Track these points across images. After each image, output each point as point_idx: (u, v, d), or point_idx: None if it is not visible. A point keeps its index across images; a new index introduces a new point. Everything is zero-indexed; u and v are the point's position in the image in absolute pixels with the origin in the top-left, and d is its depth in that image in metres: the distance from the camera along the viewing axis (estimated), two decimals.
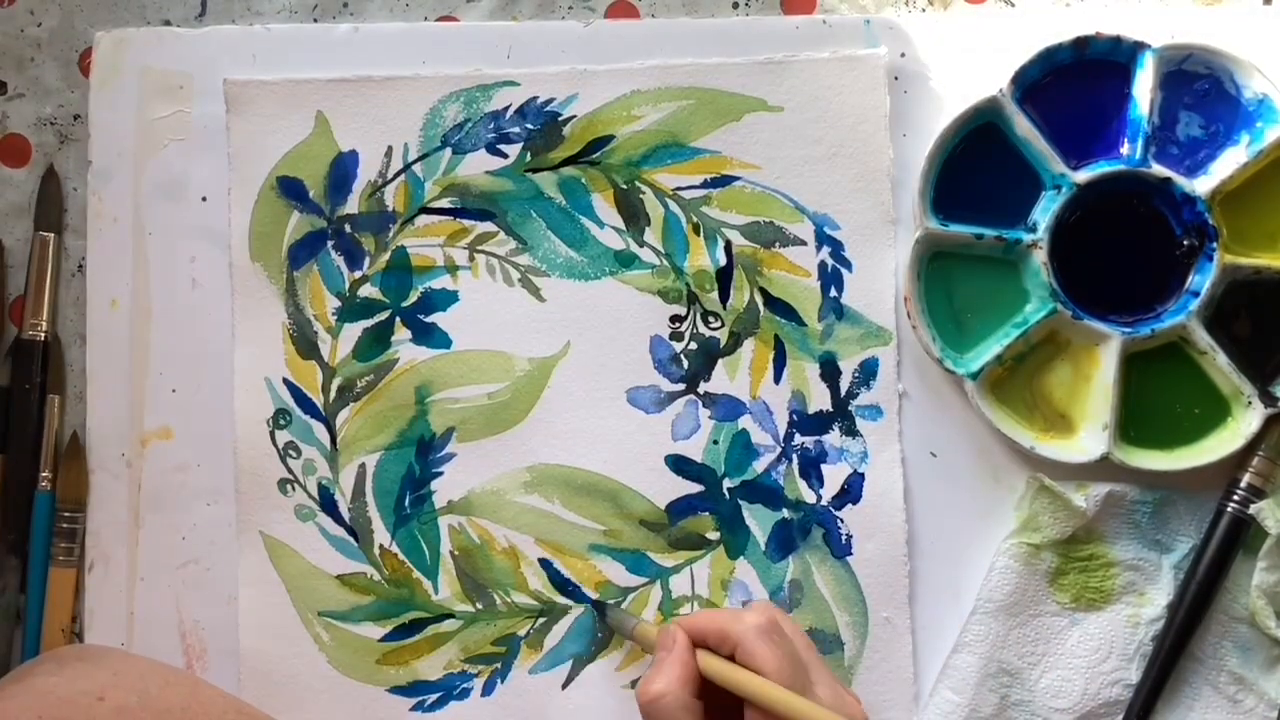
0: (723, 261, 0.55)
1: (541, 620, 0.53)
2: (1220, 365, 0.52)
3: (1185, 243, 0.53)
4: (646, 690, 0.43)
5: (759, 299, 0.55)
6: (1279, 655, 0.52)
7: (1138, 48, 0.53)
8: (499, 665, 0.53)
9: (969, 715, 0.51)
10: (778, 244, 0.55)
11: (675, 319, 0.55)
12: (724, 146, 0.55)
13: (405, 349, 0.55)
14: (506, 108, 0.55)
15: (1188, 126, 0.54)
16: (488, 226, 0.55)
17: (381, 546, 0.54)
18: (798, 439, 0.54)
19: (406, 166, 0.55)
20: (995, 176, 0.53)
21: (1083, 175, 0.52)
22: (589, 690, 0.53)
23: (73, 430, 0.54)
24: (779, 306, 0.55)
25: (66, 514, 0.54)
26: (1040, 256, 0.52)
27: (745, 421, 0.54)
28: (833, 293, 0.55)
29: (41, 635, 0.54)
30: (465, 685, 0.53)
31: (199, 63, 0.56)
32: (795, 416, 0.54)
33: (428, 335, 0.55)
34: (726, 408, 0.54)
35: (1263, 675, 0.52)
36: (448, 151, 0.55)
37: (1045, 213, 0.52)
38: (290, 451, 0.54)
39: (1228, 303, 0.52)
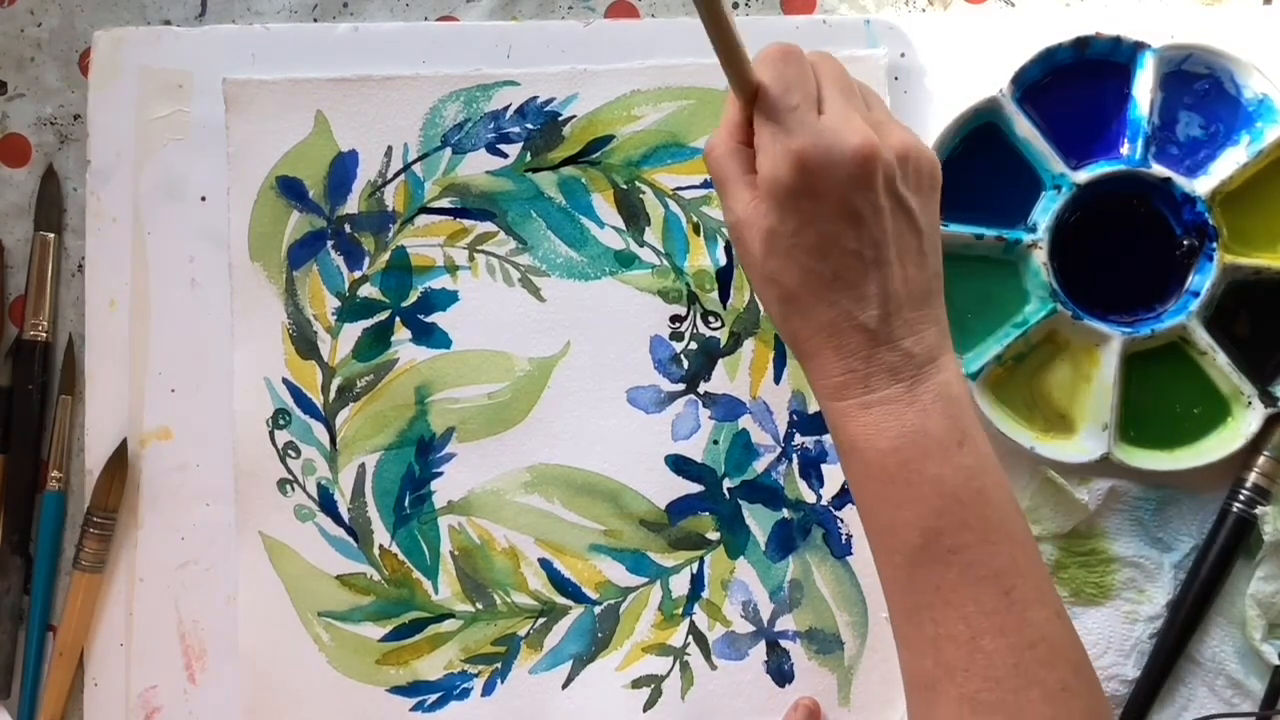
0: (723, 261, 0.55)
1: (541, 620, 0.54)
2: (1220, 365, 0.52)
3: (1185, 243, 0.53)
4: (707, 143, 0.43)
5: (759, 299, 0.55)
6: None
7: (1138, 48, 0.53)
8: (499, 665, 0.53)
9: None
10: None
11: (675, 319, 0.55)
12: None
13: (405, 349, 0.55)
14: (506, 107, 0.55)
15: (1188, 126, 0.54)
16: (488, 226, 0.55)
17: (381, 547, 0.54)
18: (798, 439, 0.54)
19: (406, 166, 0.55)
20: (995, 176, 0.53)
21: (1083, 175, 0.52)
22: (589, 690, 0.53)
23: (123, 437, 0.54)
24: None
25: (98, 519, 0.53)
26: (1040, 256, 0.52)
27: (745, 421, 0.54)
28: None
29: (46, 638, 0.54)
30: (465, 685, 0.53)
31: (198, 62, 0.56)
32: (795, 416, 0.54)
33: (428, 335, 0.55)
34: (727, 408, 0.54)
35: (1261, 681, 0.52)
36: (448, 151, 0.55)
37: (1045, 213, 0.52)
38: (290, 451, 0.54)
39: (1228, 303, 0.52)
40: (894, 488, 0.41)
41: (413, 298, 0.55)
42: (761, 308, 0.44)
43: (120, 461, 0.53)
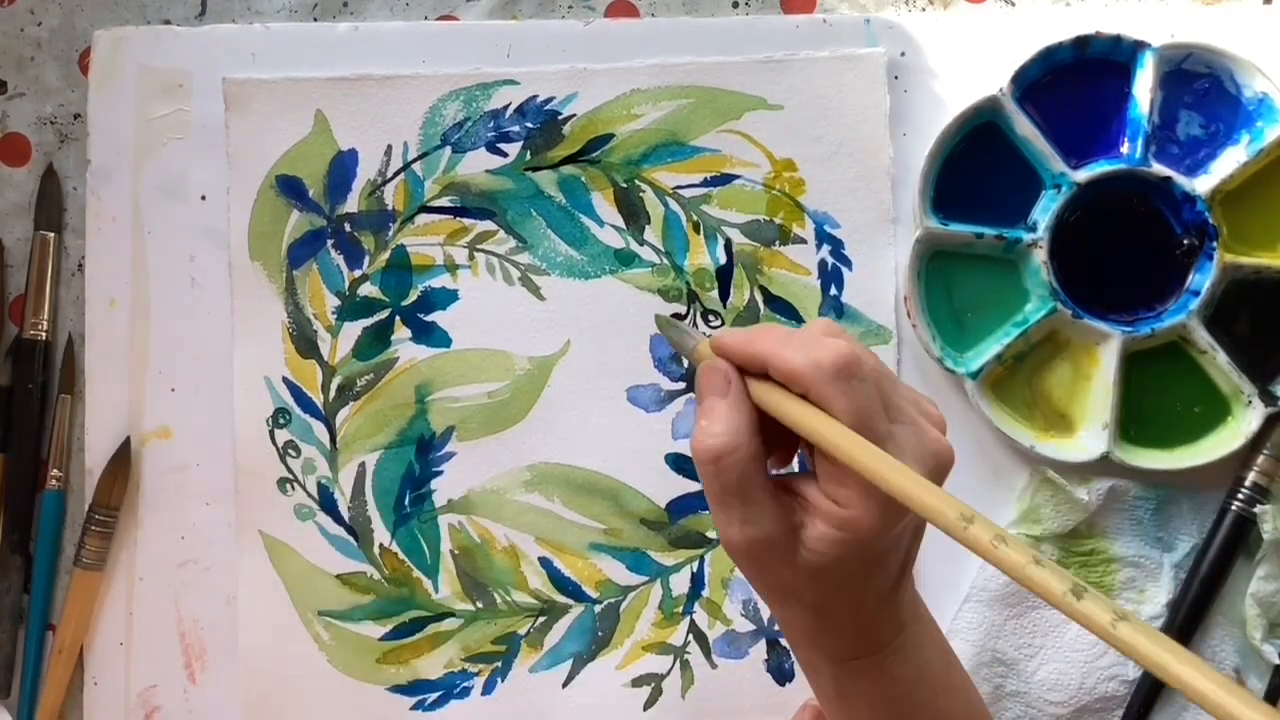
0: (723, 260, 0.55)
1: (542, 619, 0.53)
2: (1220, 365, 0.52)
3: (1185, 242, 0.53)
4: (708, 445, 0.35)
5: (759, 297, 0.55)
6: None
7: (1138, 47, 0.53)
8: (499, 664, 0.53)
9: None
10: (778, 242, 0.55)
11: (675, 317, 0.55)
12: (723, 145, 0.55)
13: (405, 348, 0.55)
14: (506, 106, 0.55)
15: (1188, 126, 0.54)
16: (487, 225, 0.55)
17: (381, 545, 0.54)
18: None
19: (406, 165, 0.55)
20: (995, 176, 0.53)
21: (1083, 174, 0.52)
22: (589, 689, 0.53)
23: (126, 435, 0.54)
24: (779, 305, 0.55)
25: (100, 516, 0.53)
26: (1040, 256, 0.52)
27: None
28: (833, 291, 0.55)
29: (46, 637, 0.54)
30: (466, 684, 0.53)
31: (199, 62, 0.56)
32: None
33: (427, 334, 0.55)
34: None
35: (1261, 681, 0.52)
36: (447, 150, 0.55)
37: (1045, 212, 0.52)
38: (290, 451, 0.54)
39: (1228, 302, 0.52)
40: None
41: (413, 297, 0.55)
42: (777, 614, 0.40)
43: (123, 459, 0.53)
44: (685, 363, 0.54)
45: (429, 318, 0.55)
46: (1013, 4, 0.56)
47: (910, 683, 0.38)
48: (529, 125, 0.55)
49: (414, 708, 0.53)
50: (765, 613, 0.53)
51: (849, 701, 0.39)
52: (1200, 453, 0.52)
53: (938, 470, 0.35)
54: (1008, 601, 0.52)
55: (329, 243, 0.55)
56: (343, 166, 0.55)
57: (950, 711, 0.40)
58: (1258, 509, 0.51)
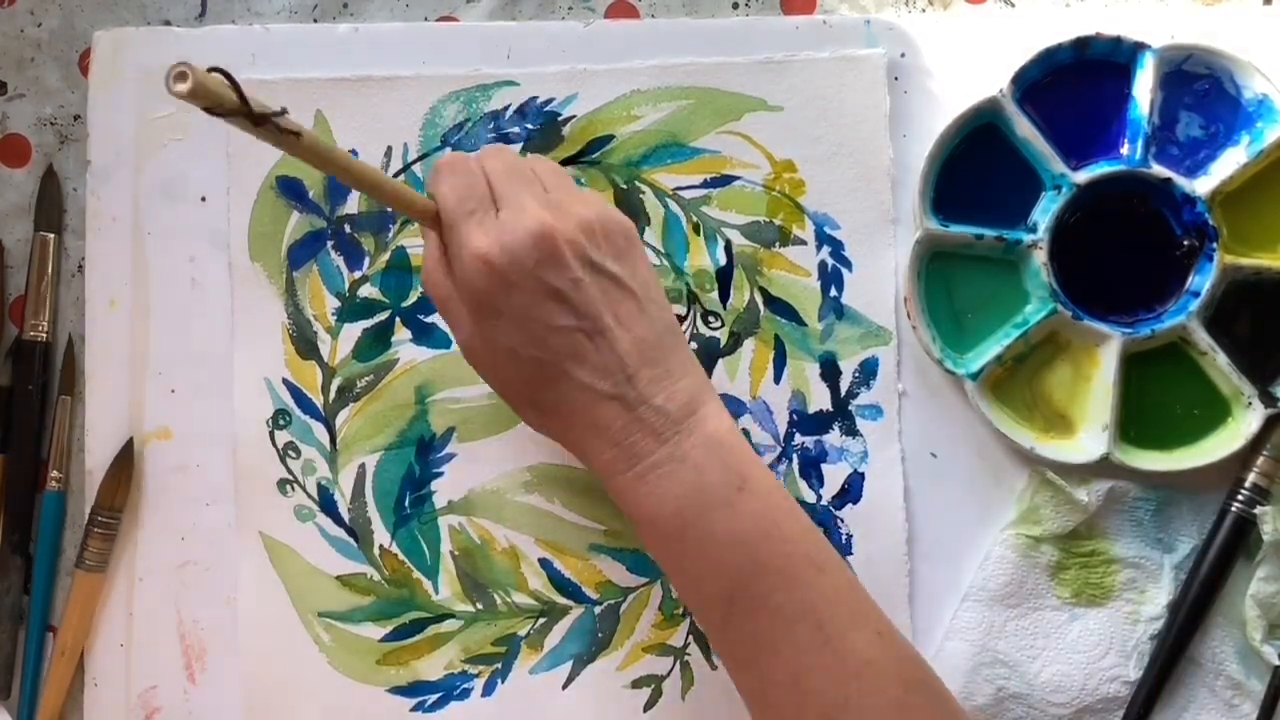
0: (723, 261, 0.55)
1: (542, 620, 0.53)
2: (1220, 365, 0.52)
3: (1185, 243, 0.53)
4: (428, 279, 0.45)
5: (759, 299, 0.55)
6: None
7: (1138, 48, 0.53)
8: (499, 665, 0.53)
9: (962, 703, 0.51)
10: (778, 244, 0.55)
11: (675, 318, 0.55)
12: (723, 146, 0.55)
13: (405, 349, 0.55)
14: (506, 108, 0.55)
15: (1188, 126, 0.54)
16: None
17: (381, 547, 0.54)
18: (798, 439, 0.54)
19: (406, 166, 0.55)
20: (995, 176, 0.53)
21: (1083, 175, 0.52)
22: (589, 690, 0.53)
23: (129, 436, 0.54)
24: (779, 306, 0.55)
25: (103, 518, 0.53)
26: (1040, 257, 0.52)
27: (745, 421, 0.54)
28: (833, 292, 0.55)
29: (46, 638, 0.54)
30: (466, 685, 0.53)
31: (199, 63, 0.55)
32: (795, 416, 0.54)
33: (428, 335, 0.55)
34: (727, 407, 0.54)
35: (1261, 682, 0.52)
36: (447, 151, 0.55)
37: (1045, 213, 0.52)
38: (290, 452, 0.54)
39: (1228, 303, 0.52)
40: (688, 548, 0.42)
41: (413, 298, 0.55)
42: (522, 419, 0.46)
43: (126, 460, 0.53)
44: None
45: (429, 319, 0.55)
46: (1013, 5, 0.56)
47: (677, 505, 0.42)
48: (529, 126, 0.55)
49: (414, 709, 0.53)
50: None
51: (632, 519, 0.44)
52: (1200, 454, 0.52)
53: (531, 237, 0.41)
54: (1008, 602, 0.52)
55: (329, 244, 0.55)
56: None
57: (742, 531, 0.42)
58: (1258, 510, 0.52)
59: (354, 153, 0.55)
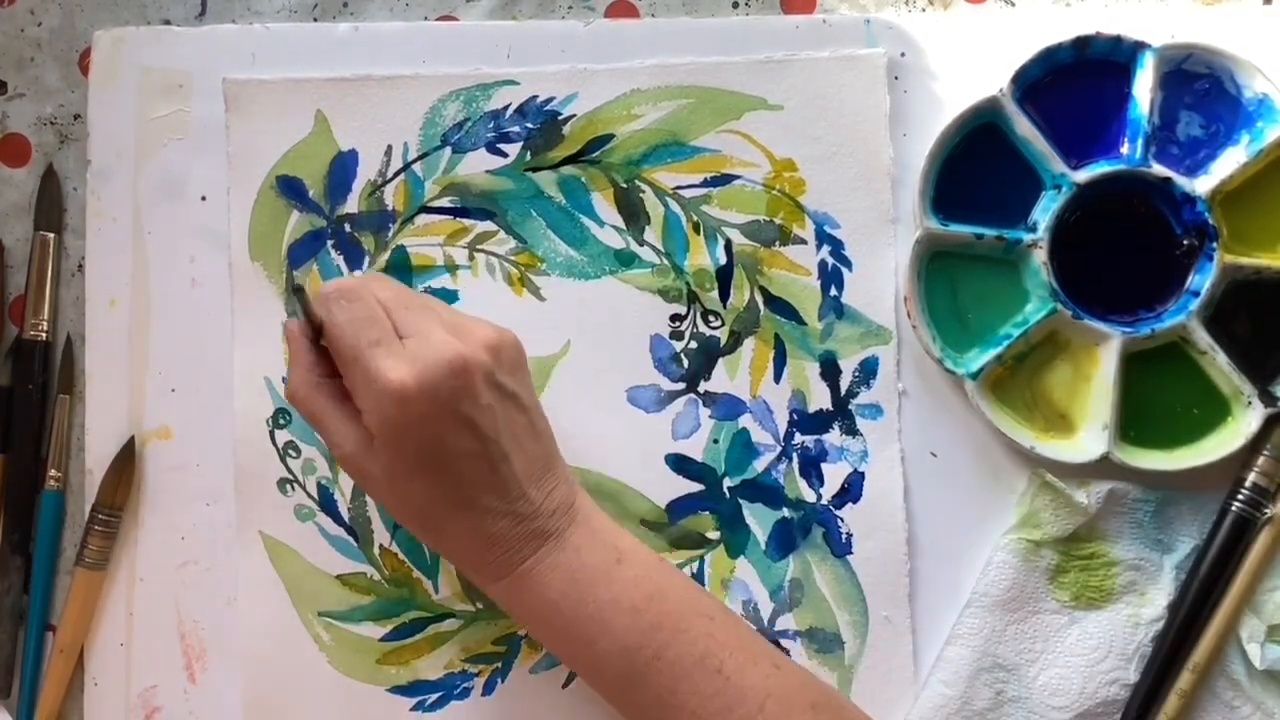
0: (723, 260, 0.55)
1: None
2: (1220, 365, 0.52)
3: (1185, 243, 0.53)
4: (287, 391, 0.45)
5: (759, 298, 0.55)
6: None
7: (1138, 47, 0.53)
8: (500, 665, 0.53)
9: (961, 708, 0.51)
10: (778, 243, 0.55)
11: (675, 318, 0.55)
12: (723, 145, 0.55)
13: None
14: (506, 107, 0.55)
15: (1188, 126, 0.54)
16: (488, 226, 0.55)
17: (381, 546, 0.54)
18: (798, 438, 0.54)
19: (406, 166, 0.55)
20: (995, 176, 0.53)
21: (1083, 175, 0.52)
22: (590, 690, 0.53)
23: (130, 435, 0.54)
24: (779, 305, 0.55)
25: (104, 516, 0.53)
26: (1040, 256, 0.52)
27: (745, 420, 0.54)
28: (833, 292, 0.55)
29: (46, 638, 0.54)
30: (466, 685, 0.53)
31: (199, 62, 0.56)
32: (795, 415, 0.54)
33: None
34: (727, 407, 0.54)
35: (1261, 684, 0.52)
36: (447, 151, 0.55)
37: (1045, 213, 0.52)
38: (290, 451, 0.54)
39: (1228, 303, 0.52)
40: (579, 627, 0.43)
41: None
42: (398, 518, 0.46)
43: (127, 459, 0.53)
44: (685, 364, 0.54)
45: None
46: (1013, 4, 0.56)
47: (562, 589, 0.44)
48: (529, 125, 0.55)
49: (414, 708, 0.53)
50: (765, 613, 0.53)
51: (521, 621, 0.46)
52: (1200, 454, 0.52)
53: (449, 366, 0.42)
54: (1009, 607, 0.52)
55: (329, 243, 0.55)
56: (343, 167, 0.55)
57: (626, 598, 0.43)
58: (1268, 511, 0.51)
59: (354, 152, 0.55)
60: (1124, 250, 0.53)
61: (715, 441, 0.54)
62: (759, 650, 0.44)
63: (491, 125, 0.55)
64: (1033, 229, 0.53)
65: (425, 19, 0.56)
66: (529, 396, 0.45)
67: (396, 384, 0.41)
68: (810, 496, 0.54)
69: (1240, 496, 0.52)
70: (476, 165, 0.55)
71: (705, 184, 0.55)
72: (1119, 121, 0.53)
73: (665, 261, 0.55)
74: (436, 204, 0.55)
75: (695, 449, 0.54)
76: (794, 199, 0.55)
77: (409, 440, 0.42)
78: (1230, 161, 0.52)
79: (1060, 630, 0.52)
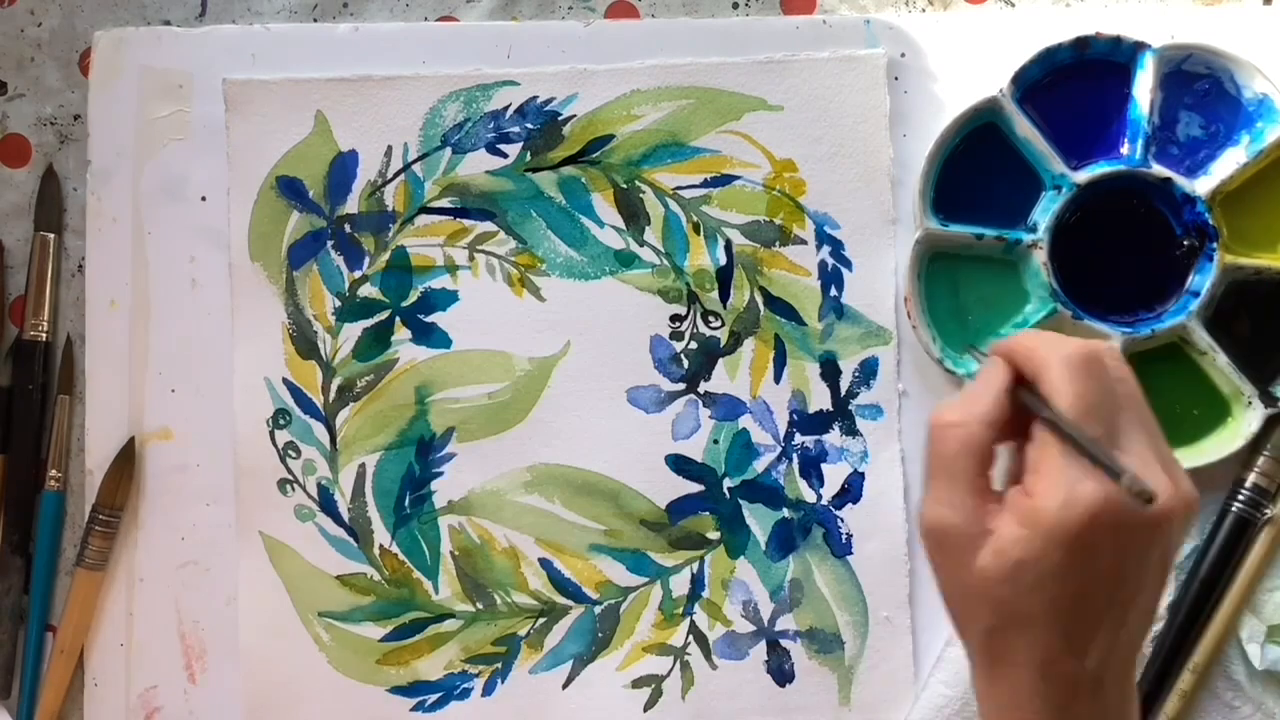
0: (723, 261, 0.55)
1: (542, 620, 0.53)
2: (1220, 365, 0.52)
3: (1185, 243, 0.53)
4: (940, 412, 0.37)
5: (759, 298, 0.55)
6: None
7: (1138, 48, 0.53)
8: (499, 665, 0.53)
9: (961, 709, 0.51)
10: (778, 243, 0.55)
11: (675, 318, 0.55)
12: (723, 146, 0.55)
13: (405, 349, 0.55)
14: (506, 107, 0.55)
15: (1188, 126, 0.54)
16: (488, 226, 0.55)
17: (381, 546, 0.54)
18: (798, 438, 0.54)
19: (406, 166, 0.55)
20: (995, 176, 0.53)
21: (1083, 175, 0.52)
22: (589, 690, 0.53)
23: (130, 435, 0.54)
24: (779, 306, 0.55)
25: (104, 516, 0.53)
26: (1040, 256, 0.52)
27: (745, 421, 0.54)
28: (833, 292, 0.55)
29: (46, 638, 0.54)
30: (466, 685, 0.53)
31: (199, 62, 0.56)
32: (795, 416, 0.54)
33: (428, 335, 0.55)
34: (727, 407, 0.54)
35: (1261, 684, 0.52)
36: (447, 151, 0.55)
37: (1045, 213, 0.52)
38: (290, 451, 0.54)
39: (1228, 303, 0.52)
40: None
41: (413, 298, 0.55)
42: (953, 621, 0.39)
43: (127, 459, 0.53)
44: (685, 364, 0.54)
45: (429, 319, 0.55)
46: (1012, 5, 0.56)
47: None
48: (529, 126, 0.55)
49: (414, 709, 0.53)
50: (765, 613, 0.53)
51: None
52: (1200, 454, 0.52)
53: (1185, 506, 0.35)
54: None
55: (329, 243, 0.55)
56: (343, 167, 0.55)
57: None
58: (1268, 512, 0.51)
59: (354, 153, 0.55)
60: (1124, 250, 0.53)
61: (715, 442, 0.54)
62: None
63: (491, 126, 0.55)
64: (1033, 229, 0.53)
65: (425, 19, 0.56)
66: (1171, 573, 0.38)
67: (1098, 499, 0.33)
68: (810, 497, 0.54)
69: (1240, 497, 0.52)
70: (476, 166, 0.55)
71: (705, 184, 0.55)
72: (1119, 122, 0.53)
73: (665, 262, 0.55)
74: (436, 204, 0.55)
75: (695, 449, 0.54)
76: (794, 199, 0.55)
77: (1058, 554, 0.34)
78: (1230, 162, 0.52)
79: None
